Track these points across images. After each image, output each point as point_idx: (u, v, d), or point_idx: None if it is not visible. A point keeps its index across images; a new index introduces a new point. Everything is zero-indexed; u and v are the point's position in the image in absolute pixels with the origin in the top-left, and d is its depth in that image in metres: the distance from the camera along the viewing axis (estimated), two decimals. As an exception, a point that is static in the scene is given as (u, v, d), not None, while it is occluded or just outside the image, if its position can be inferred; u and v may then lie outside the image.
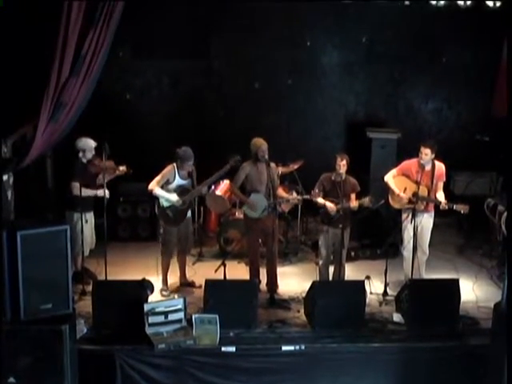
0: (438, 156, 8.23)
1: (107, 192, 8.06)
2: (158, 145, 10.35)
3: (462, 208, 7.92)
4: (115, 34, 7.50)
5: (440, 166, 8.21)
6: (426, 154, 8.01)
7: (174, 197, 8.05)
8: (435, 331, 7.25)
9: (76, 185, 7.96)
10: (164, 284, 8.29)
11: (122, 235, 10.00)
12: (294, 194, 8.78)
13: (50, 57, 7.07)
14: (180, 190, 8.10)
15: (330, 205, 8.02)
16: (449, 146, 10.73)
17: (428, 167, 8.12)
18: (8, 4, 6.70)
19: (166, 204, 8.10)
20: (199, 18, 10.40)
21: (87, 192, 8.05)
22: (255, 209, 8.15)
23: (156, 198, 8.16)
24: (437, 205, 8.12)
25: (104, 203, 7.90)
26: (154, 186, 8.02)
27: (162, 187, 8.06)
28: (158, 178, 8.05)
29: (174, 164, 8.10)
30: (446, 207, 7.97)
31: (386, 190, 8.38)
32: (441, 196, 8.14)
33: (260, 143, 8.08)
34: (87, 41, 7.18)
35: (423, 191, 8.05)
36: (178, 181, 8.12)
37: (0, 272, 5.92)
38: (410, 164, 8.25)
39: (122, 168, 8.30)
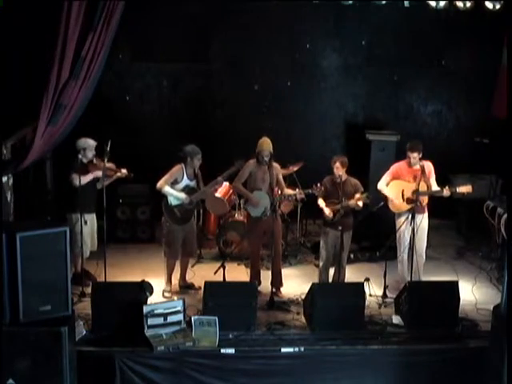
0: (438, 159, 8.27)
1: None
2: (157, 147, 10.36)
3: (465, 189, 8.01)
4: (115, 36, 7.50)
5: (428, 164, 8.30)
6: (414, 157, 8.16)
7: (182, 195, 8.08)
8: (434, 333, 7.25)
9: (75, 176, 7.93)
10: (168, 285, 8.27)
11: (122, 237, 9.97)
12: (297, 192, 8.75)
13: (49, 58, 7.07)
14: (187, 190, 8.14)
15: (326, 211, 8.04)
16: (448, 148, 10.77)
17: (417, 166, 8.21)
18: (8, 4, 6.71)
19: (174, 202, 8.12)
20: (199, 21, 10.42)
21: (86, 178, 8.00)
22: (258, 206, 8.16)
23: (163, 197, 8.15)
24: (435, 205, 8.14)
25: (103, 204, 7.90)
26: (163, 185, 8.05)
27: (170, 187, 8.09)
28: (166, 177, 8.08)
29: (182, 164, 8.13)
30: (449, 193, 8.04)
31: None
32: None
33: (263, 147, 8.10)
34: (87, 43, 7.17)
35: (422, 187, 8.10)
36: (185, 181, 8.15)
37: (-1, 274, 5.92)
38: (399, 167, 8.37)
39: (124, 171, 8.30)
